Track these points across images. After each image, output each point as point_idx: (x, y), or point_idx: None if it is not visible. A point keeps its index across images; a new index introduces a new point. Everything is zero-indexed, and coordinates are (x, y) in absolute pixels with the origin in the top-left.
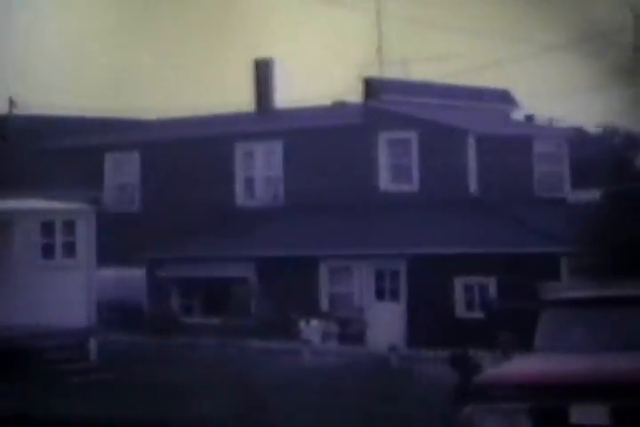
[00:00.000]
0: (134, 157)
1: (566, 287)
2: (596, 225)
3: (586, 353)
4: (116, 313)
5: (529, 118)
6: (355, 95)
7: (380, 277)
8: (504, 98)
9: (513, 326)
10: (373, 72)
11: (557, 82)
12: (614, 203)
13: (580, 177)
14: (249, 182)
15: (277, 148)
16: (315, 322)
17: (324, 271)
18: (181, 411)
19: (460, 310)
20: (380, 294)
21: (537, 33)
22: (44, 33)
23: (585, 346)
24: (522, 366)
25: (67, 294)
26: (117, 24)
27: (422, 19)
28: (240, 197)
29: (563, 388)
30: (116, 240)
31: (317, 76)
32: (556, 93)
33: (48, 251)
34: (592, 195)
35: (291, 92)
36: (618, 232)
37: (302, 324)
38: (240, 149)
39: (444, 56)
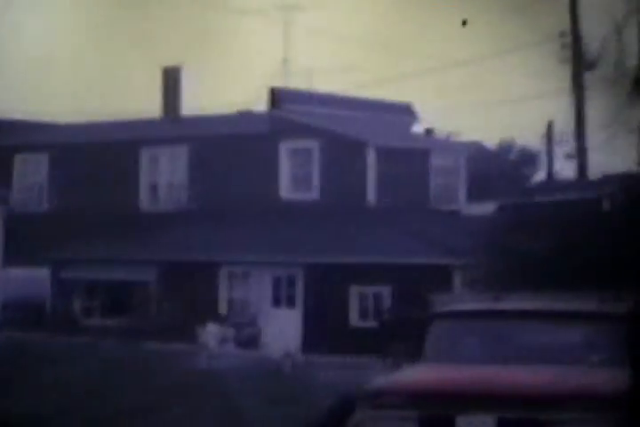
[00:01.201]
0: (43, 159)
1: (457, 299)
2: (490, 238)
3: (473, 364)
4: (20, 312)
5: (428, 132)
6: (261, 104)
7: (277, 283)
8: (405, 111)
9: (404, 335)
10: (279, 82)
11: (458, 97)
12: (508, 216)
13: (476, 190)
14: (153, 187)
15: (182, 154)
16: (212, 326)
17: (223, 277)
18: (72, 409)
19: (355, 319)
20: (277, 301)
21: (444, 48)
22: None
23: (473, 357)
24: (411, 375)
25: None
26: None
27: (328, 31)
28: (144, 202)
29: (449, 397)
30: (23, 240)
31: (225, 85)
32: (457, 108)
33: None
34: (486, 208)
35: (198, 100)
36: (510, 246)
37: (200, 328)
38: (146, 155)
39: (347, 68)
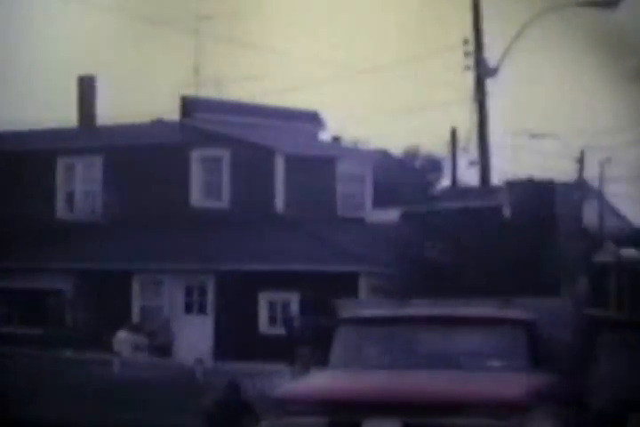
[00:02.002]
0: None
1: (363, 305)
2: (393, 245)
3: (378, 370)
4: None
5: (336, 139)
6: (175, 113)
7: (189, 291)
8: (313, 119)
9: (312, 341)
10: (190, 91)
11: (365, 105)
12: (411, 224)
13: (383, 197)
14: (69, 196)
15: (97, 163)
16: (125, 334)
17: (136, 285)
18: None
19: (264, 325)
20: (189, 308)
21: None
22: None
23: (377, 363)
24: (317, 382)
25: None
26: None
27: (238, 39)
28: (60, 210)
29: (355, 403)
30: None
31: (139, 94)
32: (363, 116)
33: None
34: (391, 215)
35: (113, 109)
36: (413, 252)
37: (114, 336)
38: (61, 164)
39: (257, 76)
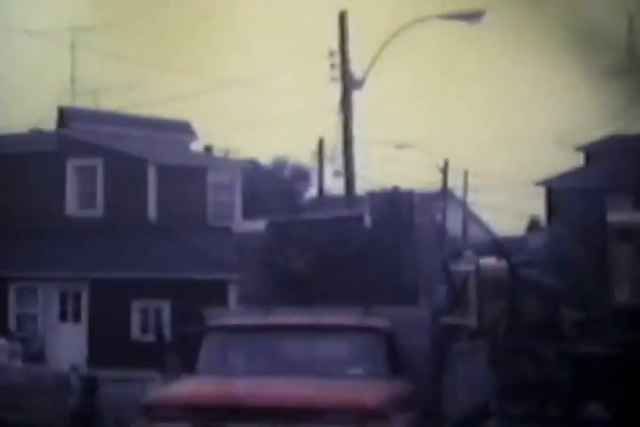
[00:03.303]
0: None
1: (230, 313)
2: (258, 255)
3: (243, 376)
4: None
5: (207, 149)
6: (51, 124)
7: (64, 298)
8: (184, 129)
9: (181, 348)
10: (67, 101)
11: (235, 115)
12: (276, 233)
13: (251, 207)
14: None
15: None
16: (2, 341)
17: (12, 293)
18: None
19: (136, 333)
20: (63, 316)
21: (221, 68)
22: None
23: (242, 370)
24: (183, 388)
25: None
26: None
27: (114, 52)
28: None
29: (218, 409)
30: None
31: (17, 105)
32: (234, 126)
33: None
34: (258, 225)
35: None
36: (277, 262)
37: None
38: None
39: (132, 87)
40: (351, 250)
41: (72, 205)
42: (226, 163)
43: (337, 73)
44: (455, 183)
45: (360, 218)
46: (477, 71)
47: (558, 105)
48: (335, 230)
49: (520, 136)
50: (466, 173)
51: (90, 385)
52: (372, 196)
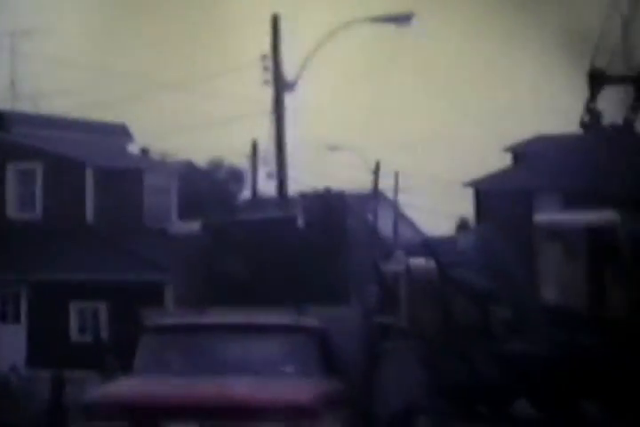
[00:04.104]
0: None
1: (166, 314)
2: (193, 256)
3: (179, 376)
4: None
5: (144, 152)
6: None
7: (4, 300)
8: (121, 132)
9: (119, 349)
10: (7, 105)
11: (173, 118)
12: (210, 234)
13: (188, 208)
14: None
15: None
16: None
17: None
18: None
19: (74, 334)
20: (3, 317)
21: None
22: None
23: (178, 369)
24: (120, 388)
25: None
26: None
27: (53, 56)
28: None
29: (155, 408)
30: None
31: None
32: (170, 129)
33: None
34: (194, 226)
35: None
36: (212, 263)
37: None
38: None
39: (71, 91)
40: (284, 251)
41: (12, 208)
42: (162, 165)
43: (269, 76)
44: (386, 184)
45: (292, 219)
46: (409, 73)
47: (492, 106)
48: (268, 232)
49: (451, 138)
50: (396, 175)
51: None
52: (304, 197)
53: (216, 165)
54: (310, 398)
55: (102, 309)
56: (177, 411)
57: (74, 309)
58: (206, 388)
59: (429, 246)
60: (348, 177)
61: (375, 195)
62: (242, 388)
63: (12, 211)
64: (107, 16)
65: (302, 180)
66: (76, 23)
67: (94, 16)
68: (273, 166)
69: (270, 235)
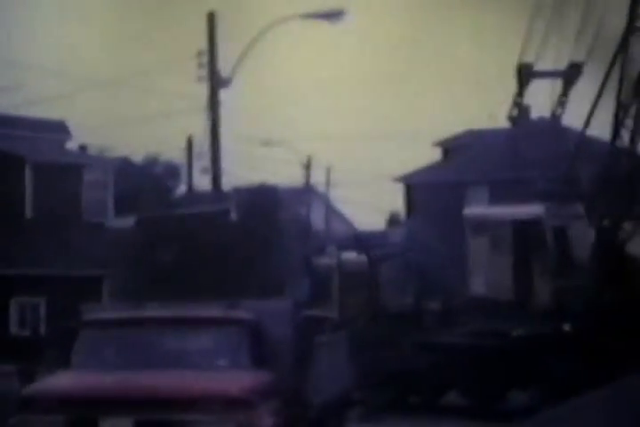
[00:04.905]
0: None
1: (104, 308)
2: (128, 250)
3: (115, 369)
4: None
5: (82, 148)
6: None
7: None
8: (60, 128)
9: (58, 343)
10: None
11: (110, 115)
12: (145, 229)
13: (125, 203)
14: None
15: None
16: None
17: None
18: None
19: (14, 329)
20: None
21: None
22: None
23: (115, 363)
24: (58, 382)
25: None
26: None
27: None
28: None
29: (91, 402)
30: None
31: None
32: (108, 125)
33: None
34: (131, 221)
35: None
36: (147, 257)
37: None
38: None
39: (7, 88)
40: (217, 245)
41: None
42: (100, 161)
43: (205, 72)
44: (319, 179)
45: (225, 213)
46: (343, 69)
47: (426, 102)
48: (202, 225)
49: (384, 132)
50: (328, 170)
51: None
52: (237, 191)
53: (152, 161)
54: (243, 389)
55: (41, 303)
56: (112, 405)
57: (13, 304)
58: (141, 381)
59: (361, 240)
60: (281, 172)
61: (307, 189)
62: (176, 381)
63: None
64: (42, 14)
65: (237, 174)
66: (12, 21)
67: (28, 14)
68: (208, 161)
69: (203, 229)
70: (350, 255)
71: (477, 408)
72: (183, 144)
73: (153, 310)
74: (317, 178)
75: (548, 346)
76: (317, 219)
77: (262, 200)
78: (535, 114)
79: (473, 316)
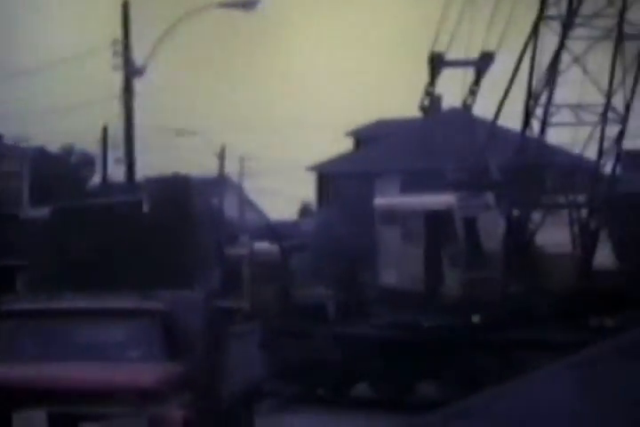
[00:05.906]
0: None
1: (17, 299)
2: (43, 240)
3: (29, 362)
4: None
5: None
6: None
7: None
8: None
9: None
10: None
11: (23, 104)
12: (59, 219)
13: (40, 193)
14: None
15: None
16: None
17: None
18: None
19: None
20: None
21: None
22: None
23: (30, 355)
24: None
25: None
26: None
27: None
28: None
29: (3, 393)
30: None
31: None
32: (23, 115)
33: None
34: (45, 211)
35: None
36: (61, 247)
37: None
38: None
39: None
40: (129, 235)
41: None
42: (15, 151)
43: (119, 61)
44: (233, 169)
45: (138, 203)
46: (258, 58)
47: (339, 92)
48: (114, 216)
49: (297, 122)
50: (242, 159)
51: None
52: (150, 181)
53: (67, 151)
54: (154, 381)
55: None
56: (25, 397)
57: None
58: (54, 373)
59: (273, 230)
60: (195, 161)
61: (221, 179)
62: (88, 373)
63: None
64: None
65: (151, 164)
66: None
67: None
68: (122, 151)
69: (116, 219)
70: (262, 245)
71: (387, 400)
72: (98, 134)
73: (67, 301)
74: (232, 168)
75: (458, 338)
76: (231, 209)
77: (174, 190)
78: (447, 104)
79: (384, 307)
